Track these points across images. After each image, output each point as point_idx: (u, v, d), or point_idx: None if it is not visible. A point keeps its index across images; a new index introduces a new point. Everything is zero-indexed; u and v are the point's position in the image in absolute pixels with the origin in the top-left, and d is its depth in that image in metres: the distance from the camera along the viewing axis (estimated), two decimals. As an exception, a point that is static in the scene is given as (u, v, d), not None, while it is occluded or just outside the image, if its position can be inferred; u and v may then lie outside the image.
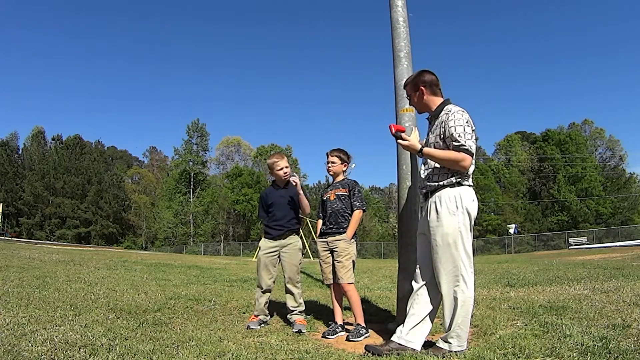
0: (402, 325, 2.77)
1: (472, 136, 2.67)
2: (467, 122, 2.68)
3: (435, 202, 2.74)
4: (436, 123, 2.81)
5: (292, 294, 3.68)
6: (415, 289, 2.82)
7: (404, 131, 2.92)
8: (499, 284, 6.48)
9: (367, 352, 2.68)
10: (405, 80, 3.08)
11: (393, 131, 2.85)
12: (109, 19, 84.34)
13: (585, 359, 2.35)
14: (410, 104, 3.09)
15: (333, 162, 3.65)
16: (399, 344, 2.67)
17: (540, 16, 78.11)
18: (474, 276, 2.78)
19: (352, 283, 3.47)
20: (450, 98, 2.92)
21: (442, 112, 2.78)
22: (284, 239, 3.72)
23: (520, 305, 4.18)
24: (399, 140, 2.84)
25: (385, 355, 2.59)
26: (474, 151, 2.67)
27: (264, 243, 3.76)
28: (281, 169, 3.73)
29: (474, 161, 2.77)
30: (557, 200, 46.71)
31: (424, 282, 2.79)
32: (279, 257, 3.72)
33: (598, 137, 51.21)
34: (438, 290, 2.71)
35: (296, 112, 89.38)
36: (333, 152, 3.69)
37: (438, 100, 2.88)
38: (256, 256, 4.05)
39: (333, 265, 3.51)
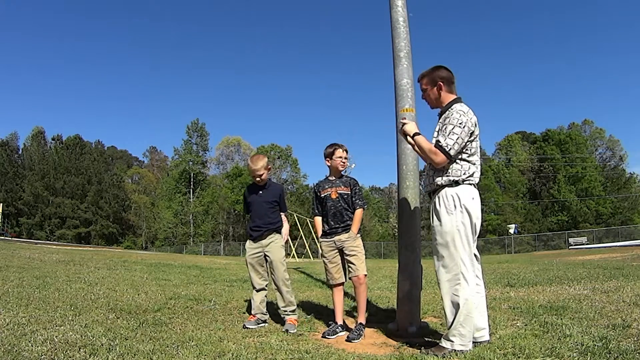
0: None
1: (458, 137, 2.66)
2: (460, 123, 2.67)
3: (435, 202, 2.78)
4: (440, 120, 2.83)
5: (280, 292, 3.68)
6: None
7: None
8: (499, 284, 6.47)
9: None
10: (420, 73, 3.04)
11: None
12: (109, 19, 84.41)
13: (585, 359, 2.35)
14: (423, 97, 3.04)
15: (347, 158, 3.61)
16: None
17: (540, 17, 78.15)
18: (481, 274, 2.78)
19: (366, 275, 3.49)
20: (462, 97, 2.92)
21: (448, 111, 2.79)
22: (263, 239, 3.73)
23: (520, 305, 4.18)
24: (402, 120, 3.02)
25: None
26: (451, 151, 2.66)
27: (248, 245, 3.81)
28: (255, 176, 3.76)
29: (476, 162, 2.76)
30: (557, 200, 46.71)
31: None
32: (265, 256, 3.74)
33: (598, 137, 51.18)
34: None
35: (296, 112, 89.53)
36: (343, 146, 3.60)
37: (451, 97, 2.88)
38: None
39: (342, 263, 3.49)
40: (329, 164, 3.60)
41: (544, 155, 48.75)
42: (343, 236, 3.46)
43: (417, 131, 2.89)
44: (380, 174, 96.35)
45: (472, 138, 2.73)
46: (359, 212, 3.53)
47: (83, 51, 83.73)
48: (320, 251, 3.61)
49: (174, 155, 55.44)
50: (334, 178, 3.61)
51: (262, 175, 3.74)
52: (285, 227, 3.88)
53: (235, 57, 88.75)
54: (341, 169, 3.61)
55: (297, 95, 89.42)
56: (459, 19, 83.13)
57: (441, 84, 2.87)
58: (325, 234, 3.56)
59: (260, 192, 3.81)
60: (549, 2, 77.60)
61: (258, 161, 3.75)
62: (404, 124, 2.96)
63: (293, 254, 24.90)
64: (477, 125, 2.77)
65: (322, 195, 3.58)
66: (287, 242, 3.92)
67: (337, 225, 3.49)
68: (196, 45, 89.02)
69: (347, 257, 3.45)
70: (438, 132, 2.79)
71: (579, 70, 75.15)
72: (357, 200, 3.55)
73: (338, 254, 3.50)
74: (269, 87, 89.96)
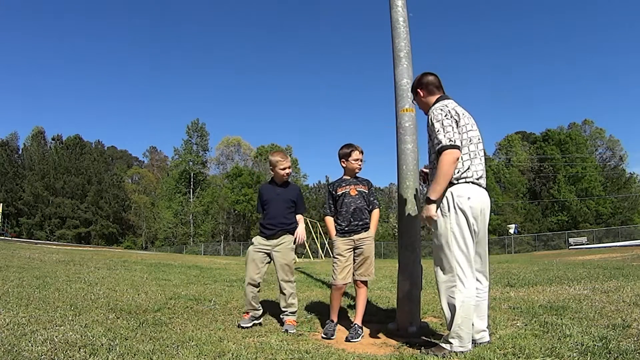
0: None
1: (452, 127, 2.62)
2: (445, 116, 2.65)
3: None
4: (428, 125, 2.80)
5: (284, 294, 3.64)
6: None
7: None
8: (499, 284, 6.47)
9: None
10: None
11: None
12: (109, 19, 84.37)
13: (585, 359, 2.35)
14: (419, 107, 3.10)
15: (362, 160, 3.59)
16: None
17: (540, 17, 78.16)
18: (486, 275, 2.78)
19: None
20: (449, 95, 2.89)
21: (429, 115, 2.78)
22: (275, 238, 3.68)
23: (520, 305, 4.18)
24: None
25: None
26: (456, 142, 2.60)
27: (257, 239, 3.74)
28: (284, 168, 3.72)
29: (471, 153, 2.69)
30: (557, 200, 46.71)
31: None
32: (269, 256, 3.68)
33: (598, 137, 51.19)
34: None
35: (296, 112, 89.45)
36: (359, 147, 3.57)
37: (434, 99, 2.87)
38: None
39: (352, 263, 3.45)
40: (345, 165, 3.57)
41: (544, 155, 48.77)
42: (362, 235, 3.43)
43: (426, 197, 2.73)
44: (380, 174, 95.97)
45: (457, 129, 2.68)
46: (377, 212, 3.53)
47: (83, 51, 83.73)
48: (334, 249, 3.48)
49: (174, 155, 55.53)
50: (349, 178, 3.59)
51: (290, 169, 3.77)
52: (300, 227, 3.75)
53: (235, 57, 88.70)
54: (357, 171, 3.59)
55: (297, 95, 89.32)
56: (459, 19, 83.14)
57: (419, 90, 2.94)
58: (343, 232, 3.46)
59: (279, 190, 3.76)
60: (549, 2, 77.63)
61: (286, 156, 3.78)
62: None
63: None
64: (463, 116, 2.72)
65: (339, 193, 3.51)
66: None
67: (357, 222, 3.43)
68: (196, 45, 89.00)
69: (364, 260, 3.40)
70: (429, 136, 2.75)
71: (579, 70, 75.14)
72: (375, 201, 3.56)
73: (353, 253, 3.45)
74: (269, 87, 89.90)
